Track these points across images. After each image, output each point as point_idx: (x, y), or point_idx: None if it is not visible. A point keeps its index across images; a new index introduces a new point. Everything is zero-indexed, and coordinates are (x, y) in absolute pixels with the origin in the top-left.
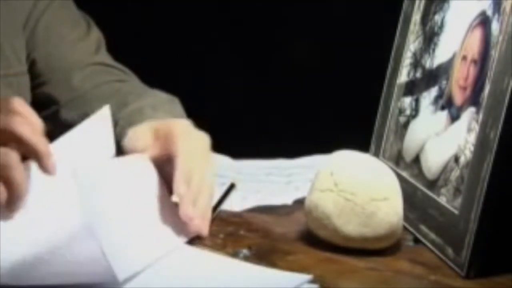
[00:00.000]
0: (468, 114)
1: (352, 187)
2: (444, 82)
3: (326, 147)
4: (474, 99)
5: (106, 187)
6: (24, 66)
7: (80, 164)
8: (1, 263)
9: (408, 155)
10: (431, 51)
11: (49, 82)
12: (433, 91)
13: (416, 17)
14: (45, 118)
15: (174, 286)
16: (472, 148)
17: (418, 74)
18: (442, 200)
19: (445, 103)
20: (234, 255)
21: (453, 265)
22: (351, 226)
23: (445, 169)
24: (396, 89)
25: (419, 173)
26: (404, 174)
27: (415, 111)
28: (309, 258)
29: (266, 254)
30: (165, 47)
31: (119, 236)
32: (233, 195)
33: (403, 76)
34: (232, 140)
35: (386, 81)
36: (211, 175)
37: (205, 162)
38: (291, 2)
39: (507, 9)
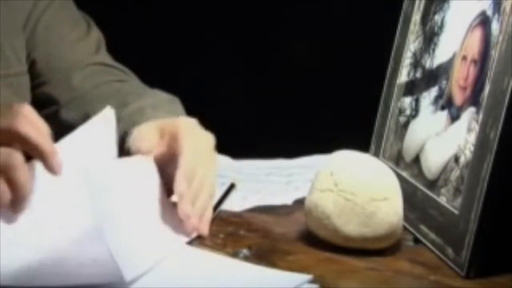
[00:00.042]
0: (468, 114)
1: (352, 187)
2: (444, 82)
3: (326, 147)
4: (474, 99)
5: (112, 188)
6: (24, 66)
7: (87, 165)
8: (7, 264)
9: (408, 155)
10: (431, 51)
11: (49, 82)
12: (433, 91)
13: (416, 17)
14: (45, 118)
15: (174, 286)
16: (472, 148)
17: (418, 74)
18: (442, 200)
19: (445, 103)
20: (234, 255)
21: (453, 265)
22: (351, 226)
23: (445, 169)
24: (396, 89)
25: (419, 173)
26: (404, 174)
27: (415, 111)
28: (309, 258)
29: (266, 254)
30: (165, 47)
31: (125, 236)
32: (233, 195)
33: (403, 76)
34: (232, 140)
35: (386, 81)
36: (214, 175)
37: (208, 161)
38: (291, 2)
39: (507, 9)
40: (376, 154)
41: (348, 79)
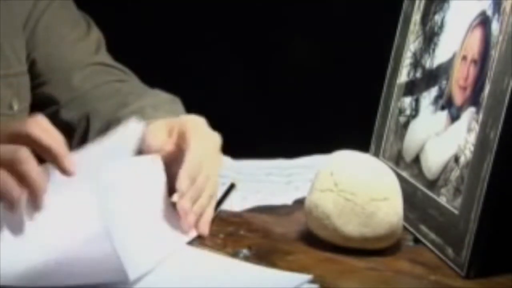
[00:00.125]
0: (468, 114)
1: (352, 187)
2: (444, 82)
3: (326, 147)
4: (474, 99)
5: (119, 188)
6: (24, 66)
7: (98, 166)
8: (13, 264)
9: (408, 155)
10: (431, 51)
11: (49, 82)
12: (433, 91)
13: (416, 17)
14: None
15: (174, 286)
16: (472, 148)
17: (418, 74)
18: (442, 200)
19: (445, 103)
20: (234, 255)
21: (453, 265)
22: (351, 226)
23: (445, 169)
24: (396, 89)
25: (419, 173)
26: (404, 174)
27: (415, 111)
28: (309, 258)
29: (266, 254)
30: (165, 47)
31: (130, 236)
32: (233, 195)
33: (403, 76)
34: (232, 140)
35: (386, 81)
36: (217, 175)
37: (213, 161)
38: (291, 2)
39: (507, 9)
40: (376, 154)
41: (348, 79)
